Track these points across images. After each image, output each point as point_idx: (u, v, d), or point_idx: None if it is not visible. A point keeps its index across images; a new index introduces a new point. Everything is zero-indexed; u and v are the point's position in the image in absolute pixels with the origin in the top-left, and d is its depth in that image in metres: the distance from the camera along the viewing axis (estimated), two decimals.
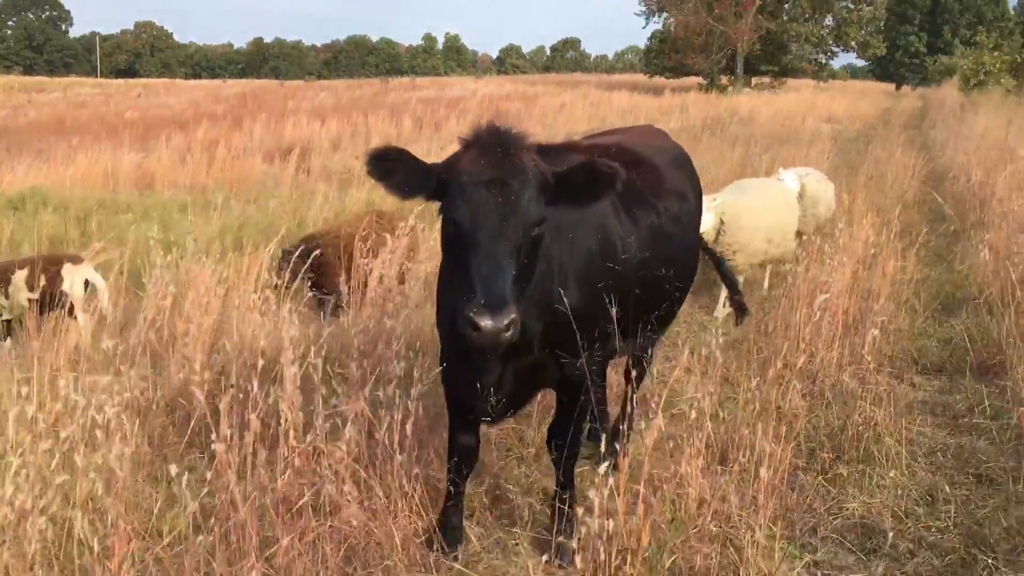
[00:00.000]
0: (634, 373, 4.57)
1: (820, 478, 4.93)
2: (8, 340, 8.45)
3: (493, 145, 3.45)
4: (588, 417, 4.24)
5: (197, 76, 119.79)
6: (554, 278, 3.85)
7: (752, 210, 8.55)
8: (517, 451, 5.24)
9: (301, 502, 3.87)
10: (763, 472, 4.18)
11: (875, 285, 7.48)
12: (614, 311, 4.05)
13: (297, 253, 7.76)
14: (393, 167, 3.47)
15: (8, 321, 8.76)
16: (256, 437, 3.95)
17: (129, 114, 40.44)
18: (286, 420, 4.05)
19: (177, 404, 5.35)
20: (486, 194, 3.32)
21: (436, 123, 30.01)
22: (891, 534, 4.36)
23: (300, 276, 7.41)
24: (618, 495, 3.65)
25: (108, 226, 13.69)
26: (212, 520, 3.74)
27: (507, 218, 3.31)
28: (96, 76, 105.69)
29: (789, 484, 4.82)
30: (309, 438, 3.99)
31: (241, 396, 4.02)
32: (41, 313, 8.23)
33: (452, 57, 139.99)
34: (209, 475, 3.82)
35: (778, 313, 6.88)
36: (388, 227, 8.38)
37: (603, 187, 3.60)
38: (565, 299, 3.82)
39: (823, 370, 6.31)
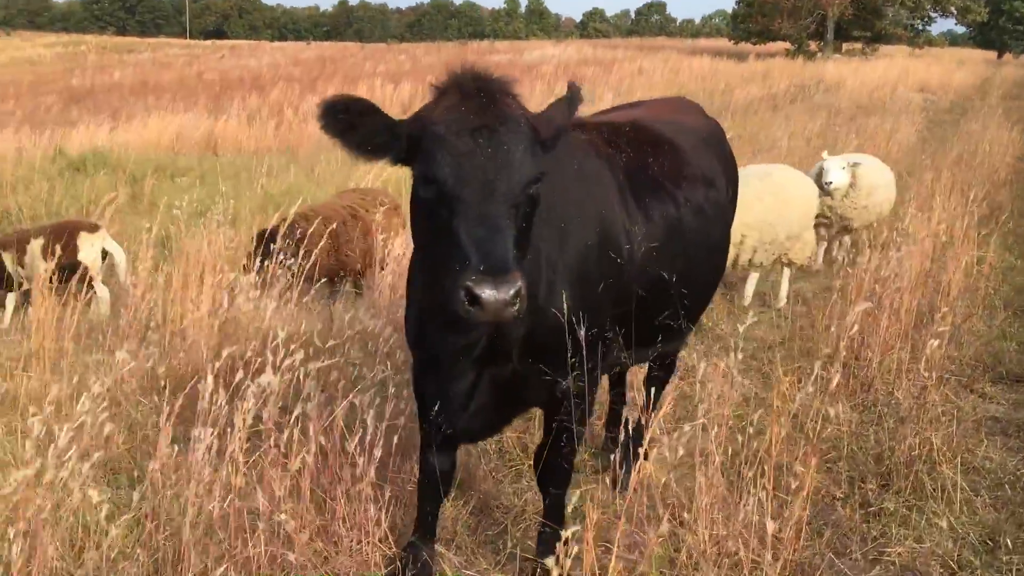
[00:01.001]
0: (641, 383, 3.97)
1: (861, 513, 4.24)
2: (31, 310, 8.24)
3: (475, 90, 2.86)
4: (581, 441, 3.67)
5: (283, 38, 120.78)
6: (541, 274, 3.25)
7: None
8: (518, 462, 4.68)
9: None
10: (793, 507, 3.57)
11: (947, 278, 6.67)
12: (611, 317, 3.45)
13: (275, 233, 7.25)
14: (353, 121, 2.85)
15: (29, 291, 8.60)
16: (207, 450, 3.51)
17: (209, 75, 40.91)
18: (239, 432, 3.58)
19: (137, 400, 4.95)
20: (472, 144, 2.74)
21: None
22: None
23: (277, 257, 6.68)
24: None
25: (160, 190, 13.54)
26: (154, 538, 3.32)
27: (500, 171, 2.73)
28: (185, 37, 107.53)
29: (822, 518, 4.18)
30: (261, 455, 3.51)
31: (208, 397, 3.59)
32: (61, 283, 8.01)
33: (534, 21, 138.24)
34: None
35: (832, 310, 6.15)
36: (371, 204, 7.88)
37: (564, 111, 3.09)
38: (553, 299, 3.25)
39: (880, 377, 5.58)
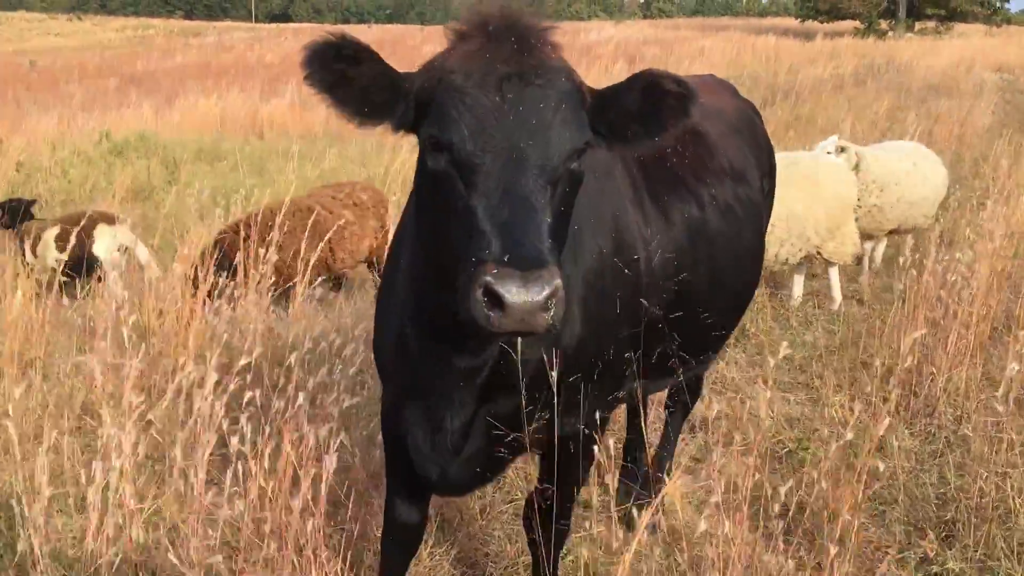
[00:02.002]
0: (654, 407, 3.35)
1: (918, 574, 3.57)
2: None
3: (505, 33, 2.22)
4: (580, 487, 3.08)
5: (346, 21, 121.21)
6: None
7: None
8: (519, 496, 4.09)
9: None
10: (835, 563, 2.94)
11: None
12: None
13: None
14: (348, 72, 2.22)
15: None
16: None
17: (269, 58, 40.96)
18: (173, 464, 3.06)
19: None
20: (499, 98, 2.11)
21: None
22: None
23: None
24: None
25: (197, 175, 13.23)
26: None
27: (535, 135, 2.11)
28: (251, 21, 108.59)
29: None
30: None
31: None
32: (74, 277, 7.67)
33: (596, 2, 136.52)
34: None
35: (894, 317, 5.43)
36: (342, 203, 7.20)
37: (667, 114, 2.34)
38: (568, 319, 2.66)
39: (946, 399, 4.87)
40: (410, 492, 3.00)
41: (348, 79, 2.22)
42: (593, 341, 2.77)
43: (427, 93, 2.22)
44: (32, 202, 9.09)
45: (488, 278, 1.93)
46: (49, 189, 12.34)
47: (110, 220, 8.20)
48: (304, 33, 65.61)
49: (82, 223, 8.02)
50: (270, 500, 3.13)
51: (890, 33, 44.09)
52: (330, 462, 2.97)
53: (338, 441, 3.16)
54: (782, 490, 2.87)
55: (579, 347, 2.72)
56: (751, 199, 3.65)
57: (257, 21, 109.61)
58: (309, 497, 3.01)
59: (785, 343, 3.24)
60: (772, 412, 4.70)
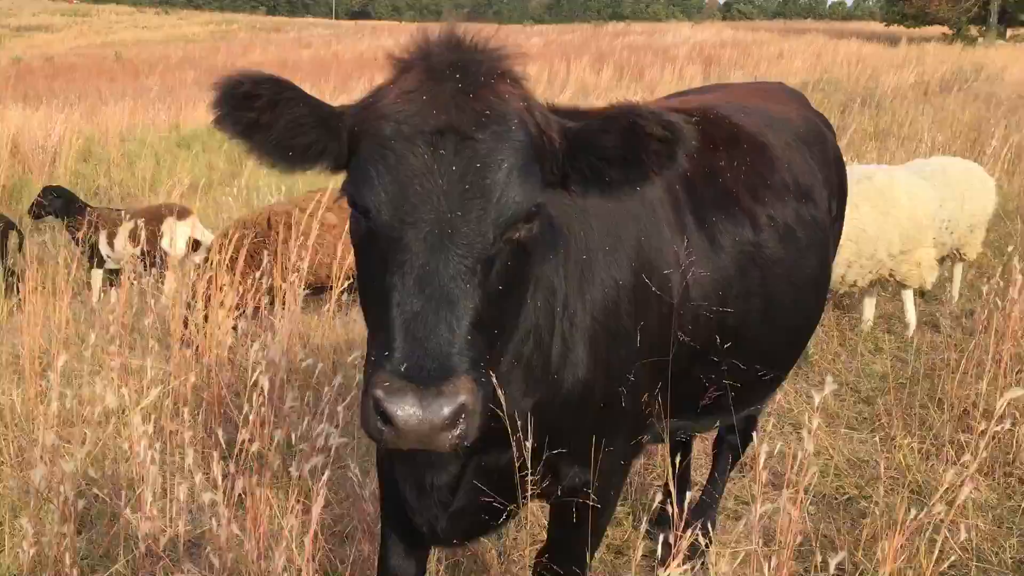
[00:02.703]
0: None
1: None
2: (114, 290, 7.92)
3: (449, 67, 1.92)
4: (598, 545, 2.74)
5: (424, 19, 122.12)
6: (555, 325, 2.34)
7: None
8: (540, 540, 3.75)
9: None
10: None
11: None
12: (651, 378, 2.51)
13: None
14: (265, 116, 1.93)
15: (114, 271, 8.27)
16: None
17: (345, 55, 41.41)
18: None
19: None
20: (428, 158, 1.81)
21: (639, 71, 28.23)
22: None
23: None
24: None
25: (259, 170, 13.20)
26: None
27: (468, 204, 1.81)
28: (332, 18, 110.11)
29: None
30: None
31: None
32: (146, 268, 7.67)
33: (676, 2, 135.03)
34: None
35: (973, 350, 4.95)
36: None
37: (651, 160, 1.99)
38: (570, 360, 2.38)
39: None
40: (406, 542, 2.71)
41: (267, 122, 1.94)
42: (603, 382, 2.44)
43: (356, 138, 1.92)
44: (72, 195, 9.03)
45: (379, 392, 1.68)
46: (114, 181, 12.41)
47: (183, 213, 8.17)
48: (382, 31, 66.30)
49: (155, 216, 8.01)
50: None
51: (980, 40, 42.43)
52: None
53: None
54: (832, 562, 2.48)
55: (585, 390, 2.41)
56: (817, 221, 3.25)
57: (337, 18, 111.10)
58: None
59: (830, 378, 2.85)
60: (831, 452, 4.29)
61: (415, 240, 1.77)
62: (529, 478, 2.39)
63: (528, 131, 1.91)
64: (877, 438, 4.68)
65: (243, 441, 3.24)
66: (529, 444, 2.33)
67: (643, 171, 1.99)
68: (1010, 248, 6.00)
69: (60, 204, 8.69)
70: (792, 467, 2.94)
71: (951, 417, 4.27)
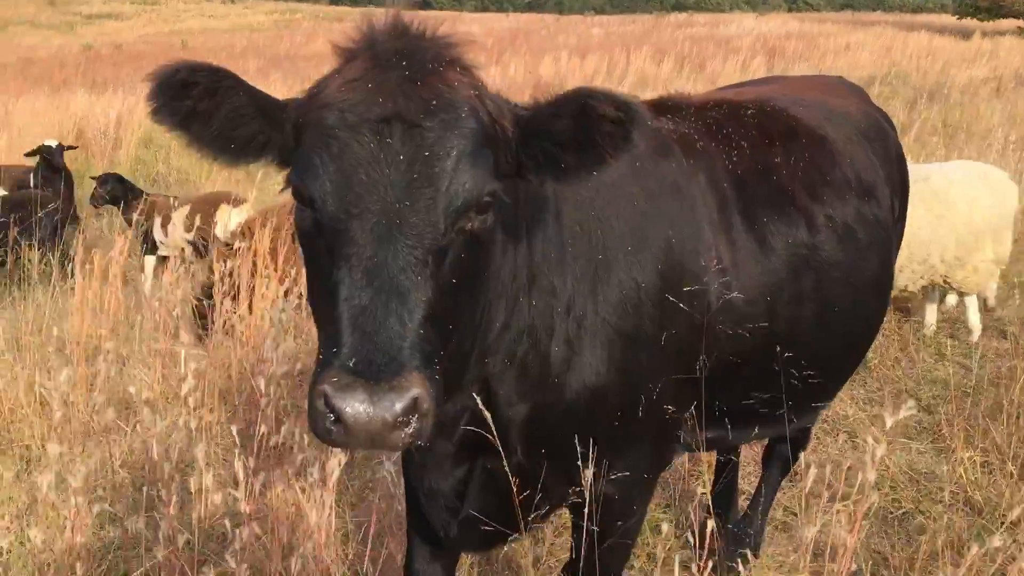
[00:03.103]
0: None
1: None
2: (164, 276, 8.02)
3: (394, 54, 1.86)
4: (628, 558, 2.63)
5: (485, 9, 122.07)
6: (555, 327, 2.24)
7: None
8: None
9: None
10: None
11: None
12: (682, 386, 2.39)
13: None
14: (203, 105, 1.87)
15: (165, 258, 8.36)
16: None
17: None
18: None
19: None
20: (374, 145, 1.76)
21: (701, 62, 27.83)
22: None
23: None
24: None
25: None
26: None
27: (416, 194, 1.75)
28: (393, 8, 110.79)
29: None
30: None
31: None
32: (198, 255, 7.75)
33: None
34: None
35: None
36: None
37: (605, 143, 1.91)
38: (575, 365, 2.27)
39: None
40: (431, 546, 2.65)
41: (205, 113, 1.87)
42: (618, 389, 2.33)
43: (300, 130, 1.86)
44: (128, 182, 9.16)
45: (327, 387, 1.62)
46: (170, 168, 12.58)
47: (237, 202, 8.21)
48: (439, 20, 66.45)
49: (210, 203, 8.07)
50: None
51: None
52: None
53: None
54: None
55: (594, 397, 2.29)
56: (879, 220, 3.08)
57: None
58: None
59: (911, 402, 2.68)
60: (887, 463, 4.11)
61: (362, 231, 1.72)
62: (533, 485, 2.31)
63: (479, 119, 1.85)
64: (937, 449, 4.48)
65: (263, 435, 3.19)
66: (519, 449, 2.27)
67: (598, 154, 1.92)
68: None
69: (118, 190, 8.82)
70: (843, 480, 2.79)
71: (1016, 429, 4.05)
